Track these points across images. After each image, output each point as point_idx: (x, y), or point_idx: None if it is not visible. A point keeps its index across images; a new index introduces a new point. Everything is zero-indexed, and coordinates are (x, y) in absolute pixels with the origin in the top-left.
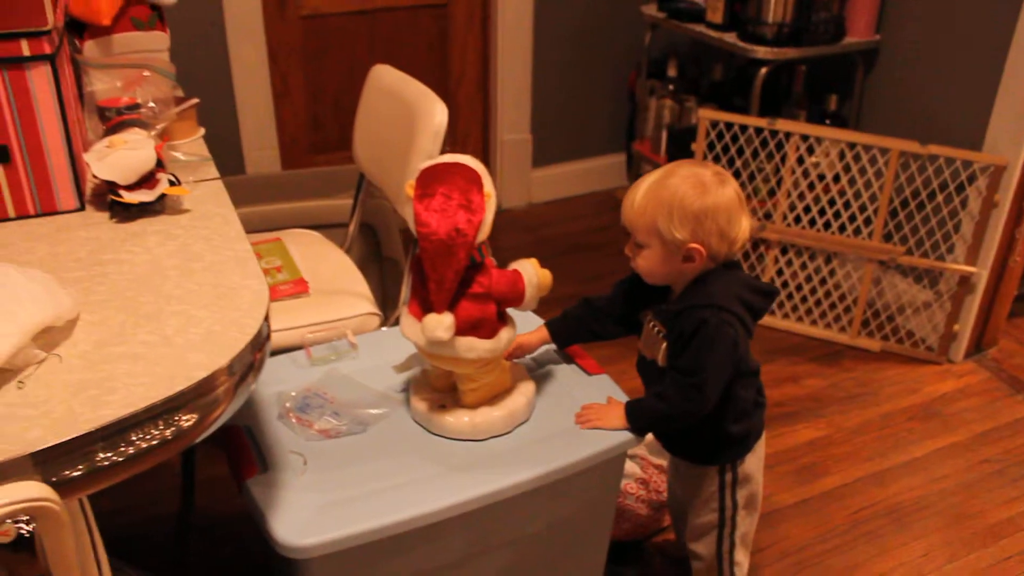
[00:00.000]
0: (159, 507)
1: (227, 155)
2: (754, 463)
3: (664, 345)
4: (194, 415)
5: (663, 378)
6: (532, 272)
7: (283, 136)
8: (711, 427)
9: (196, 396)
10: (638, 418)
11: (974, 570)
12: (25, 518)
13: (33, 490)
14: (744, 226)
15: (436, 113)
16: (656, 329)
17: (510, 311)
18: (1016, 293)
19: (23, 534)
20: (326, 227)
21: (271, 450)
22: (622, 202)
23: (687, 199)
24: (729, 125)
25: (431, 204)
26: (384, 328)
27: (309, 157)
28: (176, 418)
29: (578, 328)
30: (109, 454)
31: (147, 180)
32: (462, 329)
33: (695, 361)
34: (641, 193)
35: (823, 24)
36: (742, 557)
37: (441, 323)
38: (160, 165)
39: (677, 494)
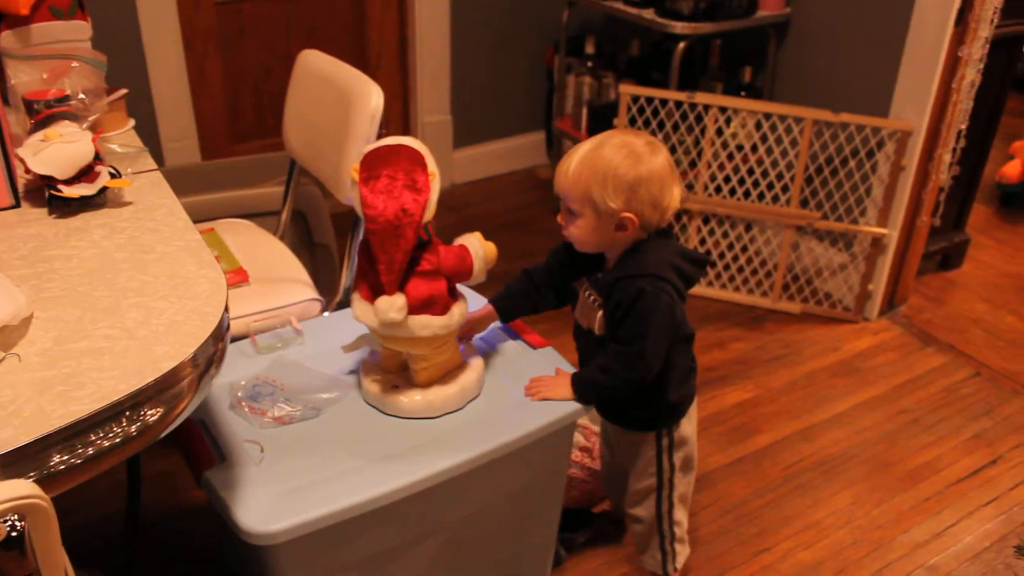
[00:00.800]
0: (104, 507)
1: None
2: (689, 427)
3: (600, 314)
4: (159, 408)
5: (600, 347)
6: (478, 245)
7: (202, 126)
8: (650, 395)
9: (161, 389)
10: (585, 389)
11: (898, 512)
12: (14, 516)
13: (24, 488)
14: (675, 194)
15: (372, 96)
16: (592, 298)
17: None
18: (923, 252)
19: (12, 533)
20: (255, 215)
21: (226, 441)
22: (556, 170)
23: (621, 168)
24: (649, 100)
25: (376, 186)
26: (327, 313)
27: (229, 146)
28: (141, 412)
29: (523, 302)
30: (78, 450)
31: (86, 173)
32: (415, 308)
33: (635, 331)
34: (575, 162)
35: None
36: (681, 516)
37: (393, 304)
38: (98, 158)
39: (612, 461)
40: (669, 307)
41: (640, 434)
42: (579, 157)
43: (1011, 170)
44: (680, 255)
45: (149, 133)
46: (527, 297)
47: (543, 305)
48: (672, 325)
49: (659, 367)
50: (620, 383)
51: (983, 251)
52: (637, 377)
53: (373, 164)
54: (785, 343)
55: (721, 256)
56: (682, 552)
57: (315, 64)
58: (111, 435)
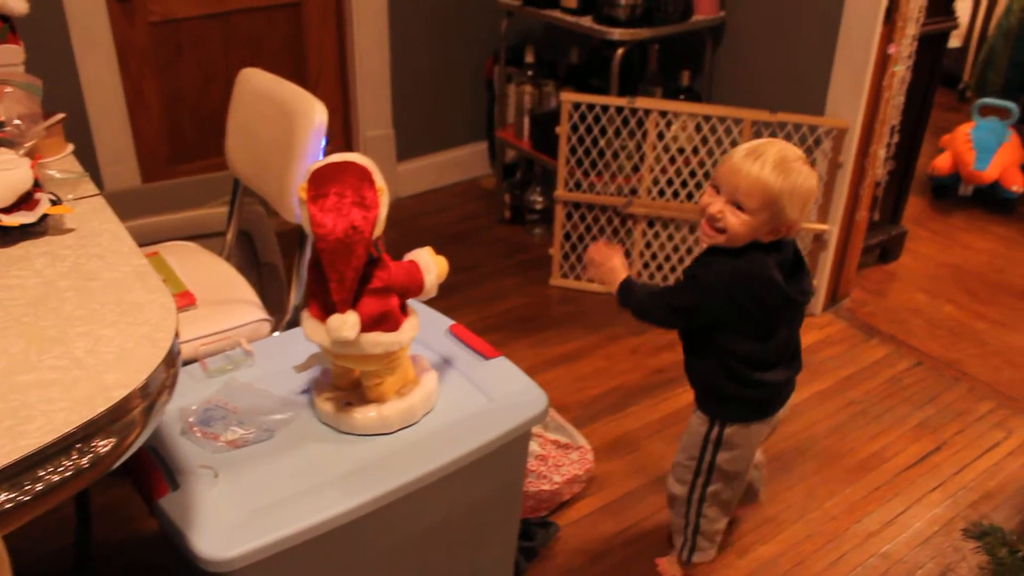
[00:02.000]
0: (51, 543)
1: None
2: (742, 437)
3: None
4: (111, 439)
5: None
6: (429, 260)
7: (140, 148)
8: (709, 375)
9: (113, 419)
10: (625, 291)
11: (850, 503)
12: None
13: None
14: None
15: (315, 113)
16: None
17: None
18: (863, 246)
19: None
20: (200, 237)
21: (179, 467)
22: (730, 164)
23: (807, 184)
24: (591, 106)
25: (325, 204)
26: (276, 333)
27: (170, 168)
28: (93, 444)
29: None
30: (26, 487)
31: (25, 201)
32: (366, 325)
33: (677, 283)
34: (768, 167)
35: (672, 3)
36: (713, 514)
37: (346, 322)
38: (37, 185)
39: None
40: (710, 287)
41: (700, 413)
42: (771, 164)
43: (942, 163)
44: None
45: (86, 157)
46: None
47: None
48: (704, 301)
49: (671, 323)
50: (645, 306)
51: (920, 243)
52: (657, 311)
53: (320, 182)
54: None
55: (668, 258)
56: (704, 548)
57: (256, 82)
58: (61, 469)
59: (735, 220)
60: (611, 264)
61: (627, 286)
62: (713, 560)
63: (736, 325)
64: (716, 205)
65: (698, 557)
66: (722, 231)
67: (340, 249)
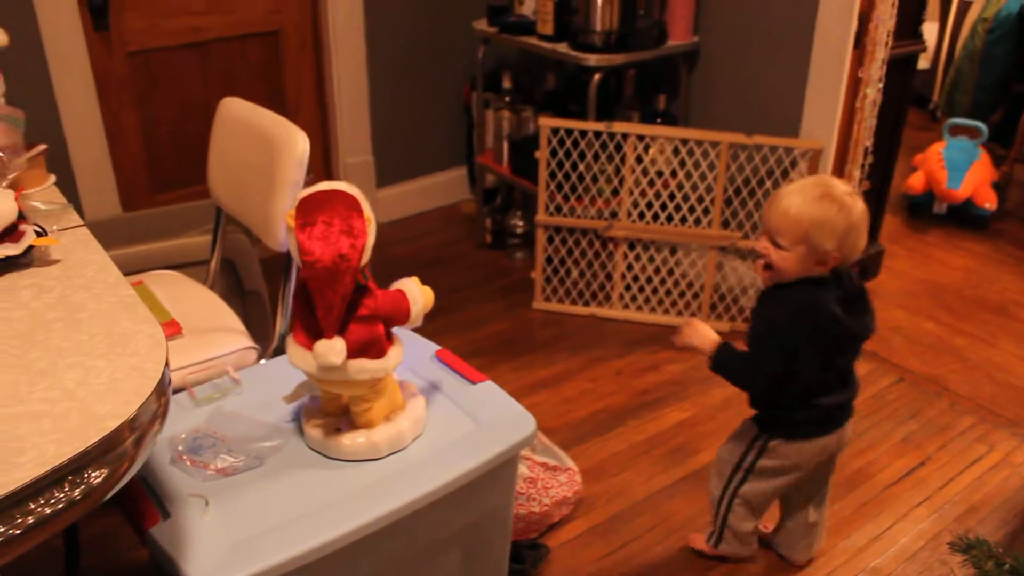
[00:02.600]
0: (41, 575)
1: None
2: (785, 449)
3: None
4: (104, 470)
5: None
6: (415, 290)
7: (120, 177)
8: (770, 395)
9: (106, 450)
10: (720, 357)
11: (838, 519)
12: None
13: None
14: (864, 241)
15: (298, 142)
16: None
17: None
18: None
19: None
20: (183, 266)
21: (169, 496)
22: (769, 207)
23: (837, 217)
24: (569, 131)
25: (313, 232)
26: (263, 361)
27: (150, 197)
28: (85, 475)
29: None
30: (17, 520)
31: (10, 233)
32: (352, 352)
33: (751, 338)
34: (795, 206)
35: (647, 30)
36: (742, 512)
37: (332, 348)
38: (21, 216)
39: None
40: (773, 322)
41: (751, 422)
42: (799, 199)
43: (915, 182)
44: (816, 301)
45: (67, 187)
46: None
47: None
48: (777, 337)
49: (763, 379)
50: (736, 373)
51: (896, 260)
52: (746, 377)
53: (309, 210)
54: None
55: (649, 280)
56: (728, 541)
57: (237, 112)
58: (53, 501)
59: (776, 256)
60: (702, 329)
61: (725, 349)
62: (747, 560)
63: (799, 354)
64: (761, 243)
65: (723, 548)
66: (768, 268)
67: (327, 277)
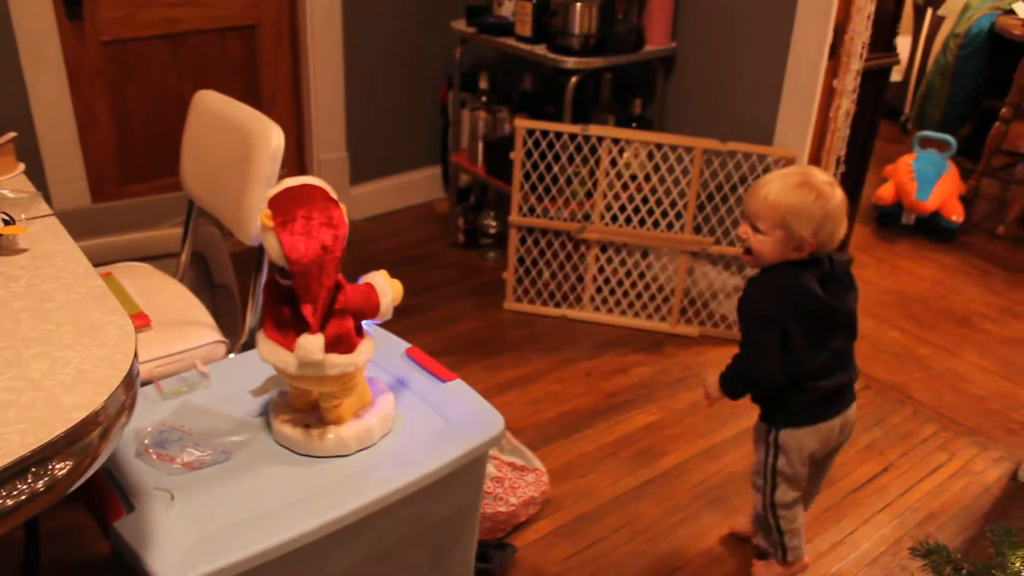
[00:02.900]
0: None
1: None
2: (792, 442)
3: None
4: (68, 462)
5: None
6: (384, 283)
7: (90, 168)
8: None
9: (71, 441)
10: (724, 377)
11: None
12: None
13: None
14: (843, 229)
15: (272, 136)
16: None
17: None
18: None
19: None
20: (152, 258)
21: (134, 489)
22: (749, 194)
23: (814, 205)
24: (545, 133)
25: (294, 228)
26: (232, 355)
27: (119, 188)
28: (49, 467)
29: None
30: None
31: None
32: (324, 346)
33: (741, 327)
34: (773, 192)
35: (625, 34)
36: (788, 514)
37: (315, 343)
38: None
39: None
40: (757, 303)
41: (761, 423)
42: (777, 187)
43: (885, 192)
44: (797, 284)
45: (35, 176)
46: None
47: None
48: (763, 320)
49: (768, 360)
50: (736, 374)
51: (865, 269)
52: (746, 365)
53: (285, 206)
54: (685, 365)
55: (620, 283)
56: (795, 547)
57: (212, 105)
58: (15, 493)
59: (754, 240)
60: (705, 379)
61: (724, 379)
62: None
63: (790, 335)
64: (741, 228)
65: (792, 556)
66: (748, 252)
67: (313, 271)
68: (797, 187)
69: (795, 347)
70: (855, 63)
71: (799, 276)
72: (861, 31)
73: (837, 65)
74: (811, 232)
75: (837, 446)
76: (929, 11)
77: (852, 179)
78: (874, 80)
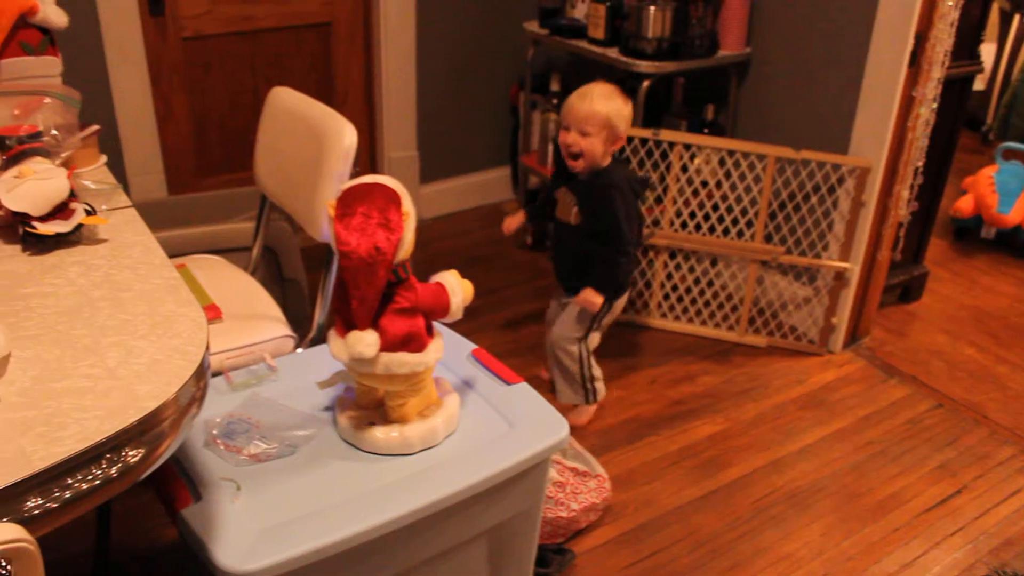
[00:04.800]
0: (71, 547)
1: None
2: (619, 305)
3: (575, 209)
4: (140, 449)
5: (577, 232)
6: (455, 283)
7: (168, 160)
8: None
9: (143, 430)
10: (604, 285)
11: (868, 543)
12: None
13: (11, 531)
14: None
15: (345, 134)
16: (569, 198)
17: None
18: (884, 285)
19: None
20: (225, 251)
21: (202, 478)
22: (570, 105)
23: (625, 108)
24: None
25: (351, 223)
26: (300, 350)
27: (195, 180)
28: (123, 454)
29: (542, 212)
30: (55, 493)
31: (61, 210)
32: (393, 345)
33: (613, 221)
34: (595, 100)
35: (699, 39)
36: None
37: (362, 339)
38: (73, 195)
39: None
40: (620, 194)
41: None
42: (599, 98)
43: (964, 205)
44: (630, 173)
45: (115, 167)
46: (544, 208)
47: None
48: (629, 204)
49: (634, 241)
50: (620, 262)
51: (941, 284)
52: (623, 251)
53: (349, 201)
54: (752, 376)
55: (688, 291)
56: (599, 390)
57: (286, 101)
58: (90, 477)
59: (585, 143)
60: (583, 302)
61: (602, 290)
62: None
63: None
64: (570, 137)
65: (597, 400)
66: (578, 156)
67: (362, 268)
68: (611, 96)
69: (632, 224)
70: (936, 71)
71: (627, 166)
72: (944, 38)
73: (917, 73)
74: (626, 127)
75: None
76: (1016, 17)
77: (930, 191)
78: (956, 89)
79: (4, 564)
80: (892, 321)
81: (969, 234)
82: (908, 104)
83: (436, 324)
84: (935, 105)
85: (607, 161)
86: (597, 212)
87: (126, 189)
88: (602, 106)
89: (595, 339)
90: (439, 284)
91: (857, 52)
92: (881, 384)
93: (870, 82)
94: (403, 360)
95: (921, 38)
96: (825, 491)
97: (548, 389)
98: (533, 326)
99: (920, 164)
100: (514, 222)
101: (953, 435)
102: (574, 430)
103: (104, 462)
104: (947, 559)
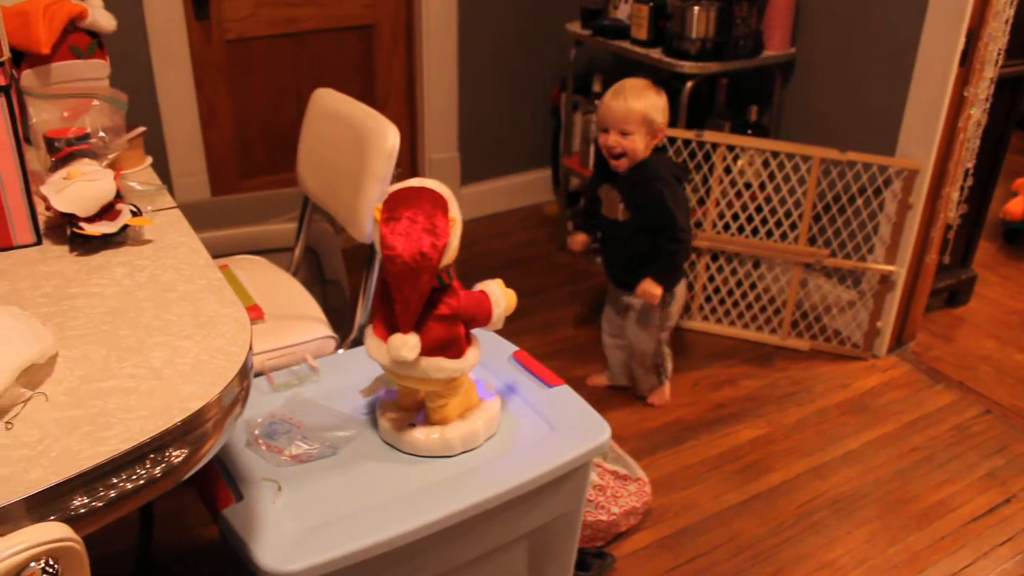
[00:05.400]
0: (114, 544)
1: None
2: (681, 290)
3: (621, 205)
4: (184, 450)
5: (625, 227)
6: (499, 292)
7: (211, 161)
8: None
9: (187, 430)
10: (663, 276)
11: (913, 551)
12: (47, 560)
13: (58, 531)
14: None
15: (388, 136)
16: (613, 195)
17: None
18: (930, 288)
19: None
20: (267, 252)
21: (243, 478)
22: (606, 106)
23: (661, 101)
24: None
25: (397, 227)
26: (341, 351)
27: (238, 182)
28: (166, 454)
29: (592, 213)
30: (100, 492)
31: (107, 211)
32: (431, 349)
33: (666, 213)
34: (630, 99)
35: (743, 39)
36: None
37: (406, 343)
38: (119, 196)
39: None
40: (668, 187)
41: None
42: (632, 96)
43: (1015, 207)
44: (670, 162)
45: (160, 169)
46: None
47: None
48: (678, 195)
49: (686, 227)
50: (675, 250)
51: (989, 288)
52: (677, 238)
53: (395, 205)
54: (795, 380)
55: (730, 293)
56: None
57: (329, 103)
58: (135, 477)
59: (627, 142)
60: (643, 295)
61: (661, 281)
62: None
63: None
64: (610, 139)
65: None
66: (621, 155)
67: (407, 273)
68: (647, 89)
69: (685, 215)
70: (989, 70)
71: (665, 155)
72: (997, 36)
73: (969, 72)
74: (664, 119)
75: None
76: None
77: (980, 192)
78: (1009, 88)
79: (52, 563)
80: (939, 325)
81: (1019, 237)
82: (959, 104)
83: (480, 332)
84: (987, 105)
85: (647, 154)
86: (646, 206)
87: (170, 190)
88: (637, 103)
89: (667, 334)
90: (483, 292)
91: (906, 51)
92: (927, 389)
93: (919, 81)
94: (440, 366)
95: (973, 35)
96: (869, 498)
97: (598, 395)
98: (573, 328)
99: (970, 165)
100: (579, 240)
101: (1002, 442)
102: (636, 422)
103: (148, 462)
104: (996, 569)
